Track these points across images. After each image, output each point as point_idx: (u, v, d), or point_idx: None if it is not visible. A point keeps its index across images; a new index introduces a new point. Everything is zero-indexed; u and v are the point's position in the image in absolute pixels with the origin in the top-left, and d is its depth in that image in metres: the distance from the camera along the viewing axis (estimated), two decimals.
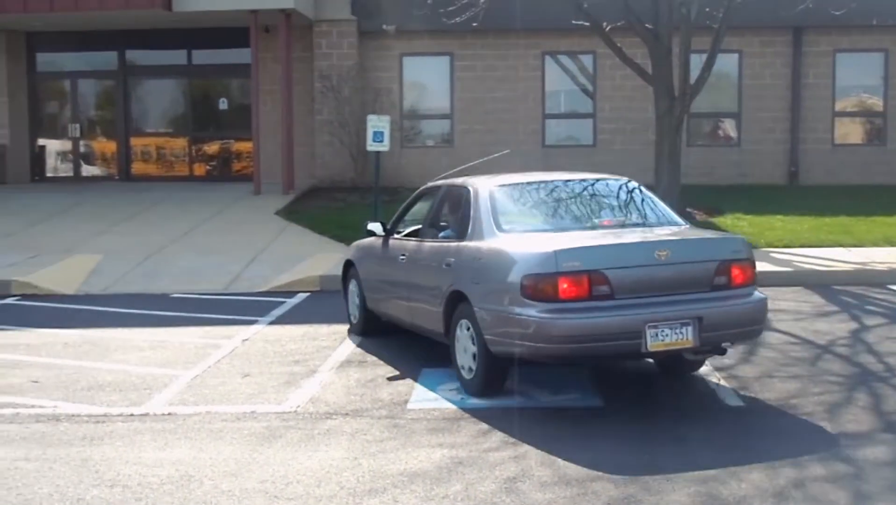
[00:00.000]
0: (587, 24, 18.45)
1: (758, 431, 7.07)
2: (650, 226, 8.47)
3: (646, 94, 19.76)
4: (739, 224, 17.12)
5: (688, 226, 8.68)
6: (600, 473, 6.16)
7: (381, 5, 22.33)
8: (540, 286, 7.27)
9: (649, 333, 7.26)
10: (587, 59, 23.01)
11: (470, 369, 8.09)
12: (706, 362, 8.98)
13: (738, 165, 22.72)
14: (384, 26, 22.28)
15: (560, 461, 6.39)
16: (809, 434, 6.99)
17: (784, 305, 12.01)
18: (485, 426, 7.24)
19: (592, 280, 7.26)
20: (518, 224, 8.21)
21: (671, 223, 8.53)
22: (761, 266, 13.96)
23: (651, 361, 8.66)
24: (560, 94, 23.57)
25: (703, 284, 7.58)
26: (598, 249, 7.51)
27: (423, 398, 8.07)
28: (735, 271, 7.69)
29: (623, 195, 8.93)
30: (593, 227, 8.25)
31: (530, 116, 22.98)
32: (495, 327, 7.62)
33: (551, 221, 8.32)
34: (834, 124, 23.12)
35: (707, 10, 17.99)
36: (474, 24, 19.40)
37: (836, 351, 9.60)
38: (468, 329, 8.03)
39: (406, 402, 7.97)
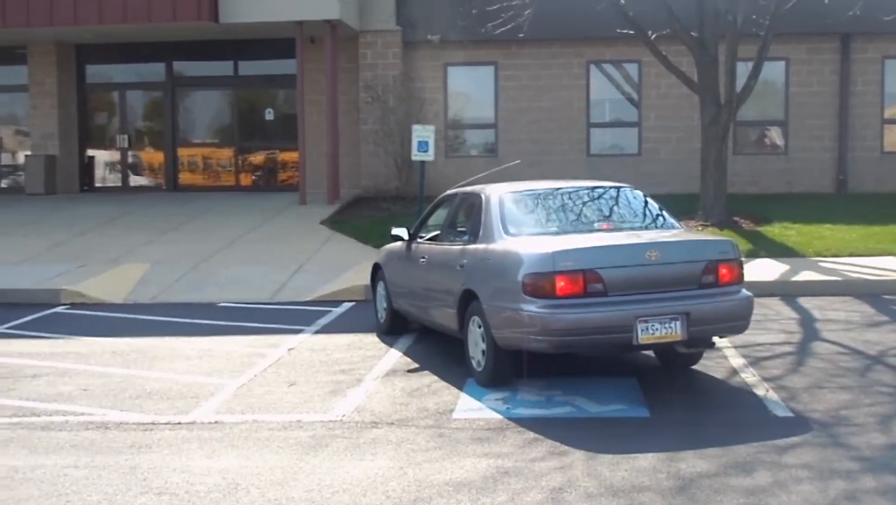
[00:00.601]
0: (632, 32, 18.39)
1: (808, 443, 6.97)
2: (646, 229, 9.14)
3: (691, 102, 19.67)
4: (787, 233, 16.95)
5: (682, 229, 9.35)
6: (647, 484, 6.11)
7: (426, 16, 22.37)
8: (539, 284, 7.95)
9: (640, 326, 7.91)
10: (632, 68, 22.90)
11: (479, 363, 8.75)
12: (753, 372, 8.93)
13: (786, 174, 22.48)
14: (429, 36, 22.33)
15: (606, 472, 6.35)
16: (861, 447, 6.88)
17: (833, 314, 11.86)
18: (530, 436, 7.22)
19: (587, 278, 7.94)
20: (523, 228, 8.88)
21: (667, 227, 9.22)
22: (809, 275, 13.93)
23: (653, 355, 9.37)
24: (605, 103, 23.47)
25: (692, 282, 8.22)
26: (592, 250, 8.14)
27: (469, 407, 8.05)
28: (722, 270, 8.31)
29: (624, 201, 9.64)
30: (591, 231, 8.88)
31: (575, 126, 22.91)
32: (501, 323, 8.29)
33: (554, 225, 8.99)
34: (883, 132, 22.79)
35: (753, 17, 17.88)
36: (520, 35, 19.41)
37: (887, 362, 9.45)
38: (479, 325, 8.67)
39: (451, 411, 7.96)
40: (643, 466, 6.46)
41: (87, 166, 25.66)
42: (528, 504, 5.83)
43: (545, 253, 8.06)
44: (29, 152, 24.80)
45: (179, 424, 7.82)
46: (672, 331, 7.98)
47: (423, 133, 17.89)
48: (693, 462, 6.51)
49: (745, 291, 8.47)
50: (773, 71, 21.80)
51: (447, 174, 20.65)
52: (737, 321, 8.41)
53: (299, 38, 21.14)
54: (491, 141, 23.35)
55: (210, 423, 7.83)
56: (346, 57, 22.97)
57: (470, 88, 23.64)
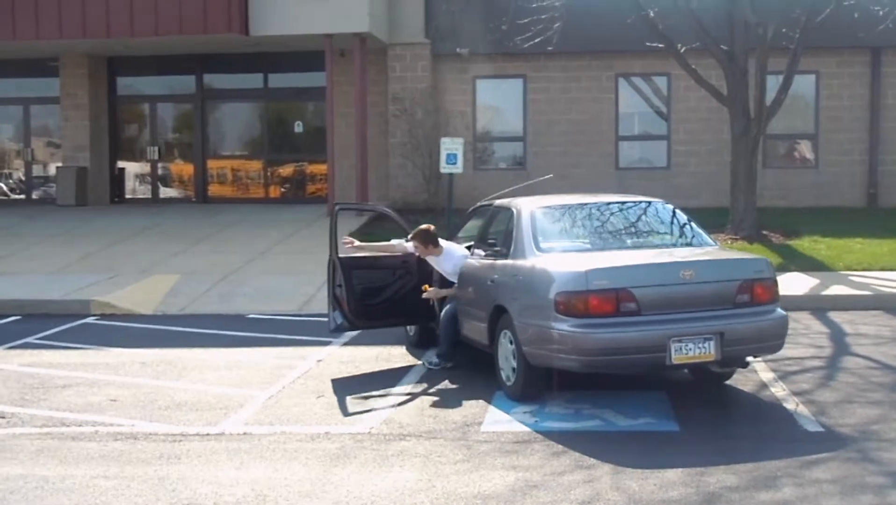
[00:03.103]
0: (662, 45, 18.36)
1: (838, 458, 6.91)
2: (680, 246, 9.10)
3: (721, 115, 19.59)
4: (817, 247, 16.83)
5: (717, 246, 9.29)
6: (675, 498, 6.08)
7: (455, 29, 22.42)
8: (572, 302, 7.87)
9: (673, 346, 7.83)
10: (661, 81, 22.85)
11: (508, 377, 8.70)
12: (783, 386, 8.88)
13: (816, 187, 22.34)
14: (458, 49, 22.38)
15: (634, 485, 6.33)
16: (891, 462, 6.82)
17: (864, 329, 11.77)
18: (559, 449, 7.20)
19: (620, 297, 7.86)
20: (556, 244, 8.82)
21: (701, 244, 9.07)
22: (839, 289, 13.82)
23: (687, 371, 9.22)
24: (634, 116, 23.42)
25: (726, 302, 8.12)
26: (626, 269, 8.07)
27: (497, 420, 8.04)
28: (757, 290, 8.22)
29: (656, 216, 9.56)
30: (625, 248, 8.81)
31: (603, 139, 22.88)
32: (532, 339, 8.24)
33: (586, 242, 8.93)
34: None
35: (783, 30, 17.81)
36: (549, 48, 19.43)
37: None
38: (510, 340, 8.62)
39: (480, 423, 7.95)
40: (671, 479, 6.43)
41: (118, 178, 25.85)
42: None
43: (578, 271, 7.98)
44: (60, 164, 25.01)
45: (208, 435, 7.86)
46: (706, 351, 7.91)
47: (451, 146, 17.92)
48: (722, 477, 6.47)
49: (780, 311, 8.37)
50: (804, 84, 21.68)
51: (476, 186, 20.67)
52: (771, 341, 8.32)
53: (329, 51, 21.23)
54: (519, 154, 23.35)
55: (239, 434, 7.85)
56: (376, 70, 23.05)
57: (498, 101, 23.67)
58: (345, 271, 10.12)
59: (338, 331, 10.56)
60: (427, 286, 10.14)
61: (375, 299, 10.36)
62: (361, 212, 11.40)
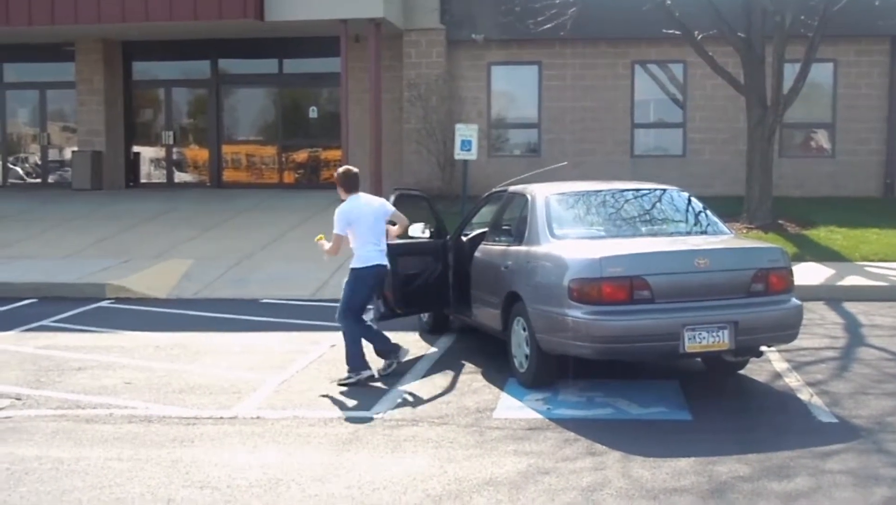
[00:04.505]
0: (678, 32, 18.28)
1: (851, 449, 6.89)
2: (695, 234, 9.05)
3: (737, 103, 19.51)
4: (833, 237, 16.76)
5: (732, 235, 9.25)
6: (685, 487, 6.08)
7: (470, 15, 22.36)
8: (585, 290, 7.85)
9: (687, 335, 7.79)
10: (677, 69, 22.74)
11: (521, 364, 8.67)
12: (797, 377, 8.86)
13: (832, 177, 22.23)
14: (473, 35, 22.32)
15: (645, 473, 6.32)
16: None
17: (879, 320, 11.72)
18: (570, 436, 7.20)
19: (634, 285, 7.82)
20: (570, 231, 8.79)
21: (717, 232, 9.04)
22: (855, 280, 13.77)
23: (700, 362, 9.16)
24: (649, 104, 23.33)
25: (741, 290, 8.07)
26: (640, 257, 8.05)
27: (509, 407, 8.05)
28: (772, 279, 8.17)
29: (671, 204, 9.50)
30: (639, 235, 8.77)
31: (619, 126, 22.80)
32: (546, 326, 8.21)
33: (601, 229, 8.90)
34: None
35: (801, 18, 17.70)
36: (562, 33, 19.36)
37: None
38: (523, 327, 8.59)
39: (492, 410, 7.96)
40: (682, 468, 6.43)
41: (133, 163, 25.90)
42: (565, 503, 5.82)
43: (592, 258, 7.96)
44: (76, 148, 25.09)
45: (221, 418, 7.88)
46: (720, 340, 7.86)
47: (466, 132, 17.90)
48: (734, 466, 6.47)
49: (795, 300, 8.32)
50: (821, 73, 21.53)
51: (489, 173, 20.64)
52: (786, 330, 8.28)
53: (344, 36, 21.19)
54: (534, 141, 23.30)
55: (252, 418, 7.88)
56: (390, 55, 23.01)
57: (513, 88, 23.61)
58: (391, 258, 9.57)
59: (382, 319, 10.08)
60: (321, 235, 9.57)
61: (413, 285, 10.24)
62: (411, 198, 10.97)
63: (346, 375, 9.01)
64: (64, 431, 7.57)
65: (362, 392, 8.63)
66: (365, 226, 9.16)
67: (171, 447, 7.12)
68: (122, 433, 7.50)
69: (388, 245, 9.50)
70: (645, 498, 5.90)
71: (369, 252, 9.12)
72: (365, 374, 8.97)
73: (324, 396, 8.55)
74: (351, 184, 9.48)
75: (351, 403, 8.31)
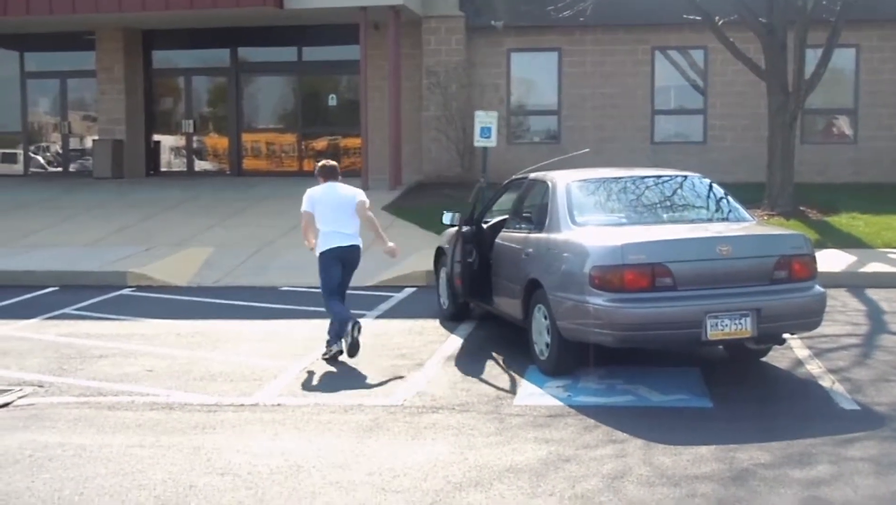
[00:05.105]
0: (699, 18, 18.18)
1: (874, 437, 6.86)
2: (717, 221, 8.99)
3: (758, 90, 19.40)
4: (855, 223, 16.66)
5: (755, 222, 9.23)
6: (707, 474, 6.06)
7: (489, 1, 22.32)
8: (607, 277, 7.82)
9: (709, 322, 7.75)
10: (698, 55, 22.63)
11: (542, 351, 8.65)
12: (819, 364, 8.81)
13: (854, 163, 22.08)
14: (492, 22, 22.27)
15: (666, 461, 6.31)
16: None
17: None
18: (591, 423, 7.19)
19: (656, 272, 7.79)
20: (591, 218, 8.75)
21: (739, 219, 9.00)
22: (877, 267, 13.68)
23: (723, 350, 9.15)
24: (669, 90, 23.23)
25: (763, 278, 8.03)
26: (662, 244, 8.02)
27: (530, 394, 8.05)
28: (795, 266, 8.13)
29: (694, 191, 9.47)
30: (661, 222, 8.74)
31: (639, 112, 22.72)
32: (567, 314, 8.17)
33: (622, 216, 8.86)
34: None
35: (823, 2, 17.57)
36: (582, 20, 19.29)
37: None
38: (544, 315, 8.56)
39: (512, 397, 7.96)
40: (704, 455, 6.41)
41: (153, 151, 26.01)
42: (586, 491, 5.82)
43: (614, 246, 7.93)
44: (97, 137, 25.20)
45: (243, 405, 7.91)
46: (742, 327, 7.82)
47: (486, 119, 17.84)
48: (755, 454, 6.44)
49: (818, 287, 8.26)
50: (843, 58, 21.36)
51: (509, 160, 20.60)
52: (809, 318, 8.23)
53: (363, 23, 21.19)
54: (553, 128, 23.24)
55: (273, 405, 7.91)
56: (410, 43, 22.98)
57: (533, 74, 23.54)
58: (465, 246, 10.05)
59: (451, 319, 10.96)
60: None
61: (479, 274, 10.34)
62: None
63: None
64: (86, 419, 7.61)
65: (382, 380, 8.64)
66: (328, 208, 9.54)
67: (193, 434, 7.15)
68: (144, 420, 7.54)
69: (464, 233, 10.12)
70: (666, 485, 5.89)
71: (328, 236, 9.51)
72: (335, 348, 9.42)
73: (344, 383, 8.57)
74: (327, 174, 9.83)
75: (371, 390, 8.32)
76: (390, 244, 9.75)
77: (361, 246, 9.68)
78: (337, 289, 9.57)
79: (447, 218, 10.90)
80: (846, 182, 21.40)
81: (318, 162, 10.35)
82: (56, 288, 14.02)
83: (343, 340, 9.23)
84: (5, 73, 26.11)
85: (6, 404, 8.04)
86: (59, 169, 26.47)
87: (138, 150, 25.41)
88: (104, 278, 14.28)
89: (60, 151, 26.61)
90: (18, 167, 26.43)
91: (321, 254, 9.52)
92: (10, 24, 23.64)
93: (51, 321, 11.70)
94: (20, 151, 26.46)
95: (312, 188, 9.75)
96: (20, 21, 22.78)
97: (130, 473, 6.28)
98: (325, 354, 9.48)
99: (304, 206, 9.64)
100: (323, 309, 9.59)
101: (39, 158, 26.72)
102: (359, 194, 9.72)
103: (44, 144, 26.99)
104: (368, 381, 8.64)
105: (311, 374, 8.93)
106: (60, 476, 6.25)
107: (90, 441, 7.01)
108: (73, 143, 26.56)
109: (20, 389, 8.47)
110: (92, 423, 7.49)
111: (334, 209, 9.53)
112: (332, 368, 9.11)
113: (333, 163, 10.02)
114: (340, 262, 9.53)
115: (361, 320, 10.88)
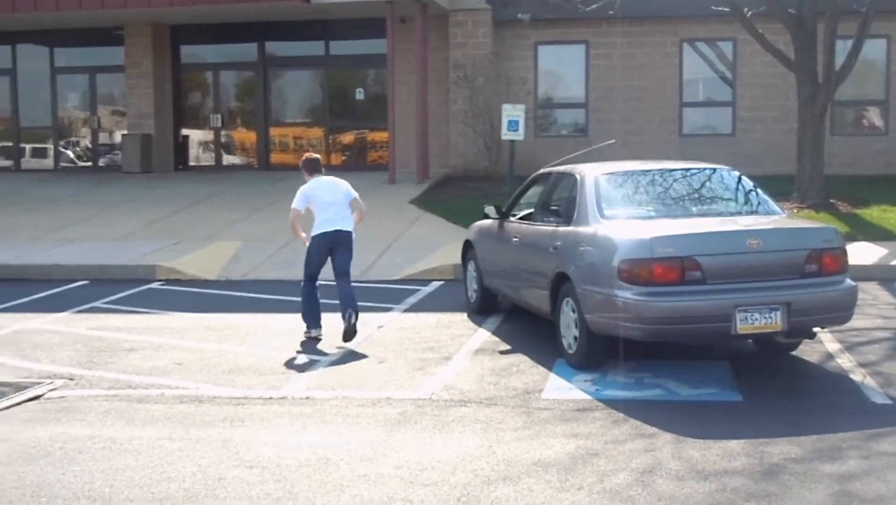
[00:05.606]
0: (727, 10, 18.06)
1: None
2: (746, 214, 8.93)
3: (788, 81, 19.27)
4: (886, 216, 16.51)
5: (785, 215, 9.10)
6: (737, 468, 6.02)
7: None
8: (636, 270, 7.78)
9: (739, 316, 7.69)
10: (726, 46, 22.49)
11: (570, 345, 8.63)
12: (850, 358, 8.74)
13: (885, 155, 21.87)
14: (519, 15, 22.19)
15: (696, 455, 6.28)
16: None
17: None
18: (619, 417, 7.17)
19: (685, 266, 7.74)
20: (619, 211, 8.70)
21: (768, 212, 8.93)
22: None
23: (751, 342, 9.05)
24: (698, 82, 23.10)
25: (794, 271, 7.97)
26: (691, 237, 7.95)
27: (558, 388, 8.02)
28: (826, 260, 8.05)
29: (723, 184, 9.41)
30: (690, 215, 8.69)
31: (667, 105, 22.60)
32: (595, 307, 8.16)
33: (651, 209, 8.79)
34: None
35: None
36: (610, 12, 19.20)
37: None
38: (572, 308, 8.54)
39: (540, 391, 7.94)
40: (734, 450, 6.37)
41: (182, 145, 26.13)
42: (615, 485, 5.79)
43: (643, 239, 7.90)
44: (125, 132, 25.33)
45: (271, 399, 7.94)
46: (772, 321, 7.76)
47: (513, 112, 17.82)
48: (786, 448, 6.40)
49: (849, 281, 8.18)
50: (874, 49, 21.14)
51: (536, 153, 20.55)
52: (839, 312, 8.14)
53: (390, 17, 21.19)
54: (581, 120, 23.17)
55: (301, 398, 7.92)
56: (436, 36, 22.96)
57: (560, 67, 23.48)
58: None
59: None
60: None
61: None
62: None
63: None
64: (116, 411, 7.66)
65: (410, 373, 8.65)
66: (323, 202, 10.10)
67: (222, 427, 7.18)
68: (174, 413, 7.58)
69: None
70: (696, 480, 5.85)
71: (322, 222, 10.04)
72: (313, 331, 10.01)
73: (372, 376, 8.58)
74: (312, 167, 10.48)
75: (399, 383, 8.32)
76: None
77: (353, 232, 10.20)
78: (317, 274, 10.10)
79: (490, 211, 10.89)
80: (877, 174, 21.21)
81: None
82: (86, 282, 14.12)
83: (305, 334, 10.01)
84: (35, 68, 26.29)
85: (37, 397, 8.10)
86: (89, 163, 26.65)
87: (167, 144, 25.54)
88: (133, 272, 14.38)
89: (90, 146, 26.78)
90: (48, 162, 26.63)
91: (313, 237, 10.07)
92: (40, 20, 23.79)
93: (81, 315, 11.79)
94: (50, 146, 26.66)
95: (303, 186, 10.28)
96: (50, 16, 22.93)
97: (160, 466, 6.31)
98: (306, 334, 10.08)
99: (297, 204, 10.16)
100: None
101: (69, 153, 26.92)
102: (350, 188, 10.34)
103: (73, 139, 27.18)
104: (396, 374, 8.64)
105: (339, 367, 8.95)
106: (91, 468, 6.29)
107: (120, 434, 7.05)
108: (103, 138, 26.73)
109: (51, 382, 8.53)
110: (122, 415, 7.54)
111: (331, 201, 10.12)
112: (360, 362, 9.13)
113: (317, 156, 10.79)
114: (330, 247, 10.04)
115: (389, 314, 10.90)
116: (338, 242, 10.03)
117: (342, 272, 10.02)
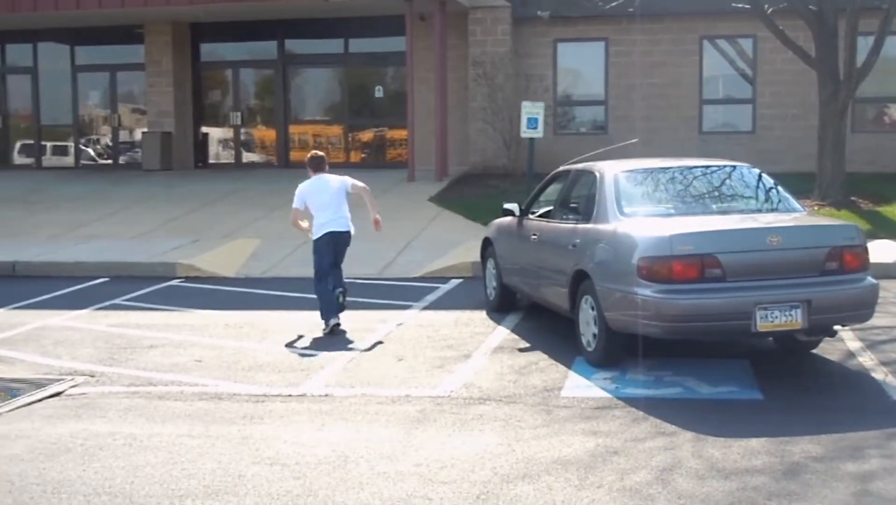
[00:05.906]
0: (748, 6, 17.98)
1: None
2: (766, 211, 8.89)
3: (808, 78, 19.15)
4: None
5: (805, 212, 9.01)
6: (759, 467, 5.99)
7: None
8: (655, 268, 7.77)
9: (759, 314, 7.65)
10: (746, 43, 22.37)
11: (589, 342, 8.63)
12: (871, 356, 8.69)
13: None
14: (538, 12, 22.16)
15: (717, 453, 6.25)
16: None
17: None
18: (639, 415, 7.14)
19: (705, 263, 7.71)
20: (639, 208, 8.68)
21: (789, 209, 8.87)
22: None
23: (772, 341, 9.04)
24: (718, 80, 22.99)
25: (814, 269, 7.92)
26: (711, 235, 7.92)
27: (577, 385, 8.01)
28: (847, 257, 7.99)
29: (743, 181, 9.37)
30: (710, 213, 8.64)
31: (687, 102, 22.51)
32: (614, 305, 8.14)
33: (670, 206, 8.77)
34: None
35: None
36: (630, 10, 19.14)
37: None
38: (591, 306, 8.53)
39: (560, 389, 7.93)
40: (755, 448, 6.34)
41: (202, 143, 26.21)
42: (635, 484, 5.77)
43: (662, 236, 7.87)
44: (146, 129, 25.44)
45: (290, 396, 7.95)
46: (792, 319, 7.71)
47: (532, 110, 17.78)
48: (807, 447, 6.36)
49: (870, 279, 8.11)
50: (895, 45, 21.00)
51: (556, 151, 20.48)
52: (860, 310, 8.08)
53: (409, 15, 21.18)
54: (600, 118, 23.11)
55: (320, 396, 7.94)
56: (456, 34, 22.94)
57: (580, 65, 23.41)
58: None
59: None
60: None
61: None
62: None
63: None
64: (136, 408, 7.69)
65: (429, 371, 8.65)
66: (319, 200, 10.45)
67: (241, 424, 7.19)
68: (193, 410, 7.60)
69: None
70: (717, 478, 5.83)
71: (322, 222, 10.40)
72: (332, 322, 10.22)
73: (391, 373, 8.58)
74: (315, 165, 10.83)
75: (418, 381, 8.32)
76: (377, 216, 10.59)
77: (353, 231, 10.59)
78: (329, 271, 10.39)
79: (513, 207, 10.87)
80: None
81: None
82: (106, 279, 14.18)
83: (337, 313, 10.26)
84: (56, 66, 26.43)
85: (58, 393, 8.15)
86: (109, 161, 26.77)
87: (187, 142, 25.63)
88: (153, 269, 14.43)
89: (110, 144, 26.90)
90: (69, 160, 26.77)
91: (317, 239, 10.42)
92: (60, 18, 23.90)
93: (101, 312, 11.84)
94: (71, 144, 26.80)
95: (302, 184, 10.64)
96: (71, 15, 23.04)
97: (180, 463, 6.33)
98: (325, 330, 10.21)
99: (296, 203, 10.61)
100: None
101: (90, 151, 27.05)
102: (346, 180, 10.58)
103: (94, 137, 27.32)
104: (415, 372, 8.64)
105: (358, 365, 8.95)
106: (111, 465, 6.32)
107: (140, 430, 7.08)
108: (123, 136, 26.85)
109: (72, 379, 8.58)
110: (142, 412, 7.57)
111: (328, 200, 10.44)
112: (380, 360, 9.13)
113: (321, 154, 11.07)
114: (334, 246, 10.44)
115: (408, 311, 10.92)
116: (342, 241, 10.53)
117: (335, 264, 10.53)
